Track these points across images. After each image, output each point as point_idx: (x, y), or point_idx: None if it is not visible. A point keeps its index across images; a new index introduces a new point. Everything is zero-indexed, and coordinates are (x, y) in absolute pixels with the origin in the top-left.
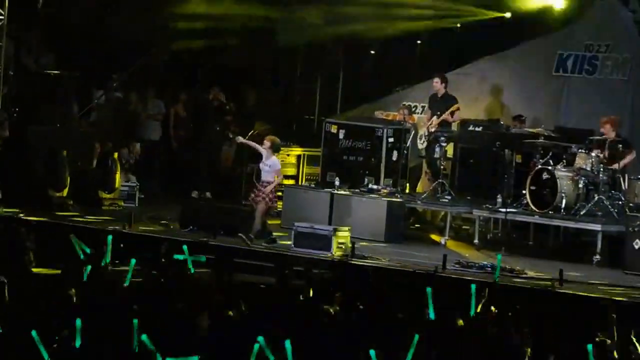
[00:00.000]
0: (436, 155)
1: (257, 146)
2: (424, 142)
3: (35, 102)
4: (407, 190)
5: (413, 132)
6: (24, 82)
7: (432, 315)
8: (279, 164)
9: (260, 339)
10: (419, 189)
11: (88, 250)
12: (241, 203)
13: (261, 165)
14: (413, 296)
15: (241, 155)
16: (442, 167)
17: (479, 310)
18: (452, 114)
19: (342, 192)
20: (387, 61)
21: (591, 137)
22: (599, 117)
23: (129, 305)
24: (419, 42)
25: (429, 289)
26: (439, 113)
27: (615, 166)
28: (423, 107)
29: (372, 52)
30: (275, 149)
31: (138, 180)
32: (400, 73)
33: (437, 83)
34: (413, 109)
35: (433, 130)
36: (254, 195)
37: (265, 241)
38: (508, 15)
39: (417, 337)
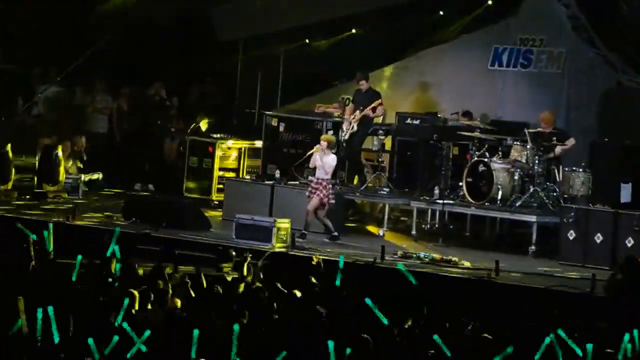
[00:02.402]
0: (374, 148)
1: (314, 153)
2: (345, 134)
3: None
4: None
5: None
6: None
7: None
8: (334, 160)
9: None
10: (356, 180)
11: (34, 237)
12: (183, 196)
13: (317, 163)
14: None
15: (184, 149)
16: (380, 159)
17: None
18: (373, 109)
19: (282, 184)
20: (325, 55)
21: (527, 130)
22: (534, 110)
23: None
24: (354, 31)
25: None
26: (362, 107)
27: (554, 153)
28: None
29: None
30: (331, 147)
31: (83, 172)
32: (338, 67)
33: (360, 81)
34: (346, 102)
35: (355, 124)
36: (308, 193)
37: (328, 237)
38: (441, 13)
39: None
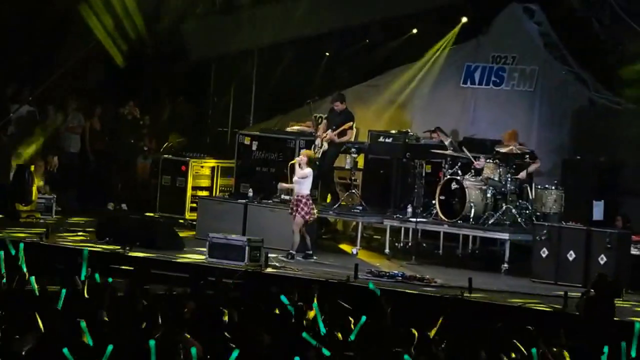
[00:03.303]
0: (347, 166)
1: (294, 178)
2: (317, 152)
3: None
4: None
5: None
6: None
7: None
8: (311, 173)
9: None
10: (329, 199)
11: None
12: (156, 215)
13: (295, 179)
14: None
15: (157, 168)
16: (353, 177)
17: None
18: (341, 133)
19: (256, 203)
20: (298, 73)
21: (497, 149)
22: (506, 127)
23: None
24: (327, 54)
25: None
26: (334, 127)
27: (522, 174)
28: None
29: (284, 64)
30: (311, 163)
31: (55, 192)
32: (311, 85)
33: (335, 103)
34: (319, 121)
35: (326, 142)
36: (290, 210)
37: (302, 256)
38: (415, 31)
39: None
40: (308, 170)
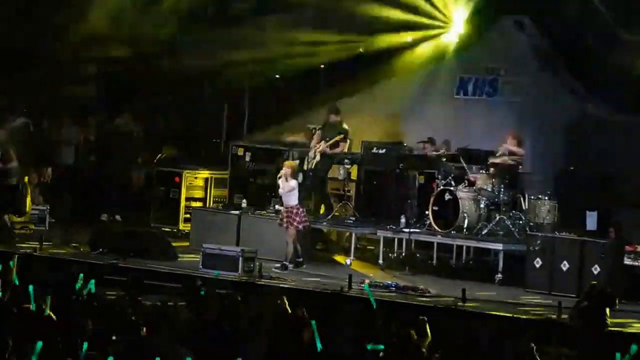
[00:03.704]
0: (340, 177)
1: (280, 191)
2: (311, 163)
3: None
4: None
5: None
6: None
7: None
8: (296, 183)
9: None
10: (322, 210)
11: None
12: (150, 226)
13: (280, 191)
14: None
15: (150, 179)
16: (347, 188)
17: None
18: (333, 145)
19: (249, 214)
20: (292, 84)
21: (491, 160)
22: (499, 139)
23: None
24: (322, 66)
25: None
26: (327, 139)
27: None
28: None
29: (277, 75)
30: (295, 173)
31: (49, 203)
32: (305, 96)
33: (330, 115)
34: (312, 132)
35: (319, 154)
36: (280, 222)
37: (292, 265)
38: (409, 39)
39: None
40: (294, 182)
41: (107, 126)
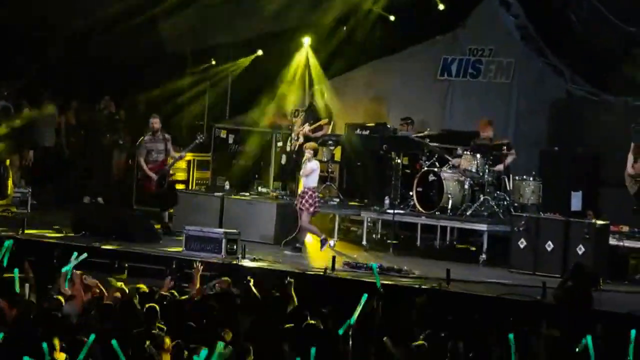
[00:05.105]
0: (324, 159)
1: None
2: (294, 146)
3: None
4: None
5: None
6: None
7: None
8: (317, 165)
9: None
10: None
11: None
12: (132, 208)
13: (302, 172)
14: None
15: (132, 162)
16: (330, 170)
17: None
18: (316, 129)
19: (232, 196)
20: (274, 66)
21: (475, 141)
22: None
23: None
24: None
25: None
26: (311, 122)
27: (499, 167)
28: None
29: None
30: (316, 154)
31: (31, 186)
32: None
33: (315, 98)
34: (295, 114)
35: (302, 136)
36: (295, 206)
37: (290, 249)
38: (392, 18)
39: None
40: (315, 163)
41: (89, 109)
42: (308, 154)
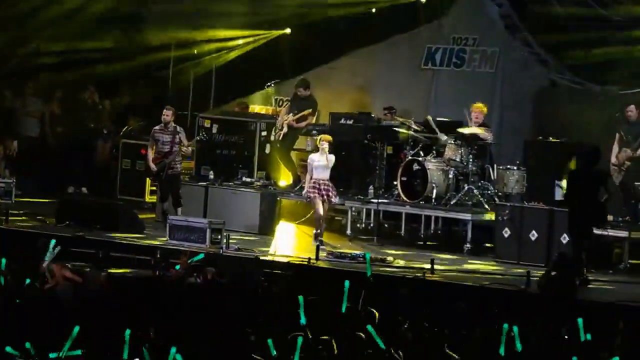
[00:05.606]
0: (308, 148)
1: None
2: (278, 135)
3: None
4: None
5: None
6: None
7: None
8: (333, 157)
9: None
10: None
11: None
12: (117, 198)
13: (316, 164)
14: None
15: (117, 151)
16: None
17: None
18: (300, 119)
19: (216, 185)
20: (257, 56)
21: (459, 130)
22: (467, 108)
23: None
24: (288, 31)
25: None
26: (295, 112)
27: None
28: None
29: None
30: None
31: (15, 176)
32: (271, 68)
33: (299, 89)
34: (279, 104)
35: (286, 125)
36: (318, 195)
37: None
38: (374, 10)
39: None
40: (332, 156)
41: (73, 98)
42: (326, 146)
